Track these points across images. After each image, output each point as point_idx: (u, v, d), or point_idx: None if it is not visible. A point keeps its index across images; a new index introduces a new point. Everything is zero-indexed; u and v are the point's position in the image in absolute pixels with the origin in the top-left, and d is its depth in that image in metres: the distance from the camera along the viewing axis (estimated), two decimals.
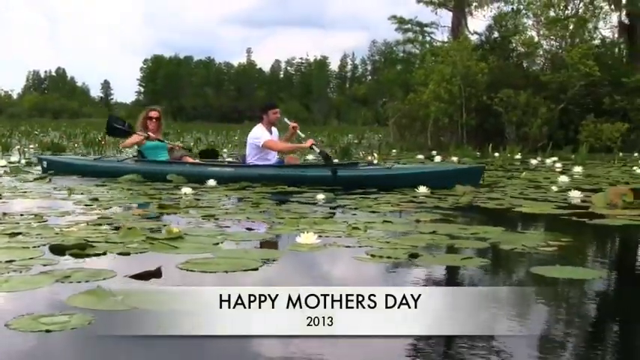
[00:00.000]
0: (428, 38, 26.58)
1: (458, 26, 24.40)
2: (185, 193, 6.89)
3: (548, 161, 13.58)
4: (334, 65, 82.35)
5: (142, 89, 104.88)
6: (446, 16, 25.60)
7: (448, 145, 19.27)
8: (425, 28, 25.84)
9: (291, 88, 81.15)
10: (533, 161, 14.15)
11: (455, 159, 14.40)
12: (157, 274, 3.43)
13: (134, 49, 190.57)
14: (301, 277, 3.87)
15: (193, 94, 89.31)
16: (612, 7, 22.42)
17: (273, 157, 8.82)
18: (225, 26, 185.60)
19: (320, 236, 4.37)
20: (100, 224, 4.96)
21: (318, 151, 8.92)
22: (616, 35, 23.05)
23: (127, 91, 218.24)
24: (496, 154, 16.29)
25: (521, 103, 19.49)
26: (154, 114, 9.25)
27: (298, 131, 9.28)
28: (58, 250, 3.97)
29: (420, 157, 15.60)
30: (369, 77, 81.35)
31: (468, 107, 19.97)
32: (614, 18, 22.83)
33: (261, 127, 8.90)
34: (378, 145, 18.52)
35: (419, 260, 3.91)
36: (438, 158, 14.42)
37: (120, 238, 4.36)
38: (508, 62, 21.96)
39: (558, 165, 12.53)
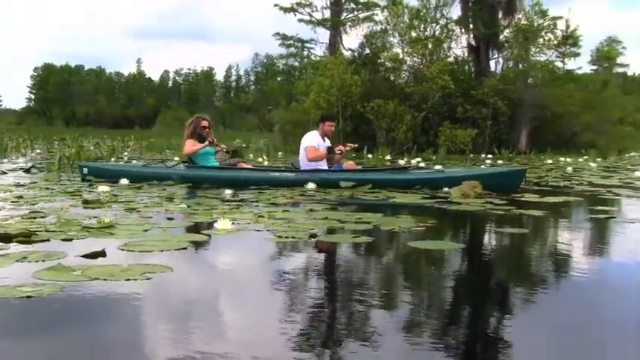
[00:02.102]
0: (306, 52, 27.21)
1: (334, 43, 25.11)
2: (103, 191, 6.99)
3: (414, 161, 14.32)
4: (220, 76, 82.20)
5: (33, 96, 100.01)
6: (324, 34, 26.25)
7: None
8: (305, 44, 26.43)
9: (179, 96, 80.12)
10: (401, 161, 14.88)
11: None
12: (102, 254, 3.70)
13: (25, 57, 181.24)
14: (225, 253, 4.22)
15: (85, 101, 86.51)
16: (462, 30, 23.76)
17: (324, 163, 8.55)
18: (116, 38, 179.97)
19: (233, 223, 4.73)
20: (34, 217, 5.08)
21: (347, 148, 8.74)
22: (466, 54, 24.38)
23: (16, 98, 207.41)
24: (369, 156, 16.97)
25: (389, 111, 20.34)
26: (205, 123, 8.76)
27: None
28: (4, 238, 4.09)
29: None
30: (252, 87, 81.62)
31: (344, 115, 20.59)
32: (464, 40, 24.23)
33: (314, 134, 8.66)
34: (267, 149, 18.80)
35: (318, 239, 4.36)
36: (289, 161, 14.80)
37: (58, 228, 4.54)
38: (378, 75, 22.73)
39: (422, 164, 13.27)
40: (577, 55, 24.24)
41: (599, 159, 17.48)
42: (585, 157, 18.23)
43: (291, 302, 2.95)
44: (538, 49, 22.93)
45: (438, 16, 23.25)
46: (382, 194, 7.37)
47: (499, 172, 8.75)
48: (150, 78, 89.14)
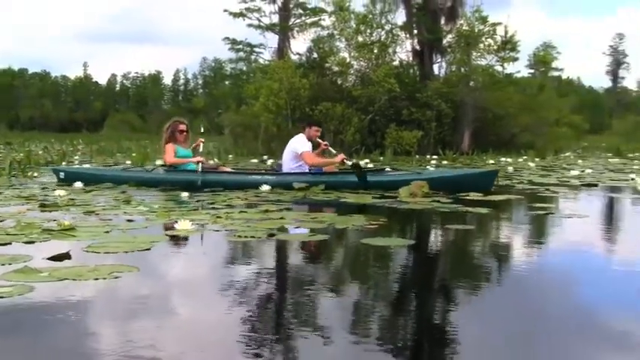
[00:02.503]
0: (254, 57, 27.28)
1: (283, 47, 25.23)
2: (59, 195, 6.96)
3: (362, 163, 14.53)
4: (168, 79, 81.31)
5: None
6: (272, 39, 26.36)
7: (276, 150, 19.85)
8: (254, 49, 26.48)
9: (127, 100, 78.92)
10: (349, 163, 15.05)
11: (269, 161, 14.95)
12: (67, 256, 3.76)
13: None
14: (187, 253, 4.32)
15: (30, 105, 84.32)
16: (407, 35, 24.12)
17: (305, 166, 8.61)
18: (61, 41, 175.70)
19: (193, 223, 4.82)
20: None
21: (350, 164, 8.68)
22: (410, 58, 24.76)
23: None
24: None
25: (337, 114, 20.49)
26: (183, 127, 8.77)
27: (330, 148, 9.16)
28: None
29: (254, 160, 16.06)
30: (200, 90, 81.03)
31: (293, 117, 20.68)
32: (409, 45, 24.61)
33: (302, 137, 8.71)
34: (218, 152, 18.76)
35: (277, 237, 4.49)
36: (269, 161, 14.90)
37: (19, 231, 4.56)
38: (325, 79, 22.88)
39: (370, 165, 13.52)
40: (515, 59, 24.85)
41: (537, 159, 18.04)
42: (524, 157, 18.78)
43: (248, 298, 3.08)
44: (479, 54, 23.45)
45: (384, 21, 23.56)
46: (334, 195, 7.53)
47: (476, 173, 9.10)
48: (97, 82, 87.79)
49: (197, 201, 6.80)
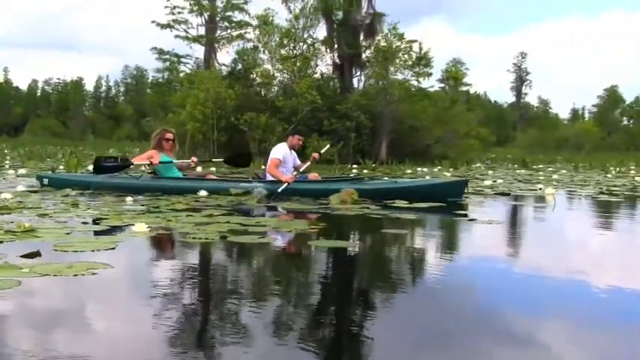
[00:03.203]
0: (180, 66, 27.30)
1: (209, 59, 25.36)
2: (5, 198, 6.99)
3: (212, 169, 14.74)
4: (90, 86, 79.31)
5: None
6: (199, 50, 26.47)
7: (202, 158, 19.93)
8: (181, 59, 26.51)
9: (49, 105, 76.37)
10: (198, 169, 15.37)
11: (213, 169, 15.16)
12: (38, 254, 3.94)
13: None
14: (146, 253, 4.56)
15: None
16: (328, 49, 24.77)
17: (289, 173, 8.75)
18: None
19: (148, 226, 5.06)
20: None
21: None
22: (331, 71, 25.39)
23: None
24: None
25: (261, 123, 20.86)
26: (169, 135, 8.89)
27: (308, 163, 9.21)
28: None
29: None
30: (122, 98, 79.56)
31: (218, 126, 20.90)
32: (329, 58, 25.25)
33: (282, 145, 8.98)
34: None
35: (229, 239, 4.79)
36: (198, 169, 14.98)
37: None
38: (250, 90, 23.19)
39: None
40: (429, 74, 25.97)
41: (451, 169, 18.92)
42: (439, 167, 19.64)
43: (202, 297, 3.40)
44: (396, 69, 24.39)
45: (306, 35, 24.12)
46: (223, 199, 7.82)
47: (447, 183, 9.39)
48: (17, 87, 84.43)
49: (142, 205, 6.98)
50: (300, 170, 9.09)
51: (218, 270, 4.05)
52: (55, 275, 3.41)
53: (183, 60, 26.73)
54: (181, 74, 26.18)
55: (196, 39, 26.19)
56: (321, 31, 24.67)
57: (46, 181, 9.03)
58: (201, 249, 4.56)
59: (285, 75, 23.33)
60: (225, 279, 3.77)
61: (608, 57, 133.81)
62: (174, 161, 9.09)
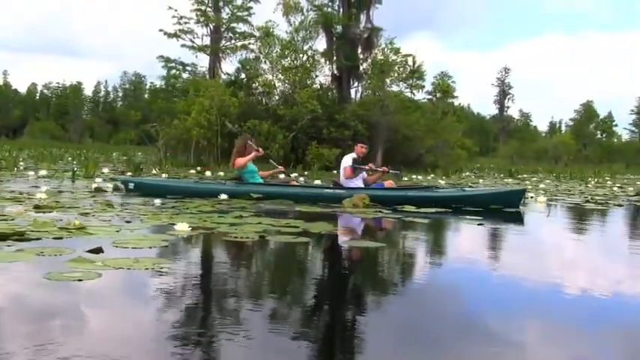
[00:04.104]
0: (186, 75, 27.43)
1: (213, 67, 25.48)
2: (41, 197, 7.11)
3: (292, 176, 15.02)
4: (88, 90, 79.02)
5: None
6: (204, 59, 26.61)
7: (207, 163, 20.09)
8: (187, 67, 26.62)
9: (48, 109, 75.91)
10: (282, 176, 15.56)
11: (221, 173, 15.30)
12: (101, 250, 4.09)
13: None
14: (197, 249, 4.73)
15: None
16: (327, 61, 24.98)
17: (360, 181, 9.16)
18: None
19: (189, 226, 5.20)
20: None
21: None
22: (329, 82, 25.59)
23: None
24: None
25: (264, 131, 20.99)
26: (253, 142, 9.18)
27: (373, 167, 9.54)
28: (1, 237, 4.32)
29: (192, 171, 16.24)
30: (120, 102, 79.35)
31: (222, 133, 20.97)
32: (327, 70, 25.46)
33: (351, 155, 9.23)
34: (159, 162, 18.85)
35: (267, 238, 4.95)
36: (208, 173, 15.13)
37: (37, 228, 4.80)
38: (252, 98, 23.34)
39: (301, 179, 14.02)
40: (422, 87, 26.29)
41: (444, 177, 19.15)
42: (432, 175, 19.86)
43: (262, 286, 3.57)
44: (392, 81, 24.66)
45: (306, 47, 24.33)
46: (284, 204, 7.99)
47: (507, 191, 9.63)
48: (16, 90, 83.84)
49: (172, 207, 7.11)
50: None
51: (266, 265, 4.25)
52: (128, 268, 3.56)
53: (188, 68, 26.86)
54: (181, 82, 26.22)
55: (201, 48, 26.30)
56: (320, 44, 24.92)
57: (132, 185, 8.96)
58: (245, 246, 4.72)
59: (286, 85, 23.49)
60: (274, 272, 3.95)
61: (584, 73, 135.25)
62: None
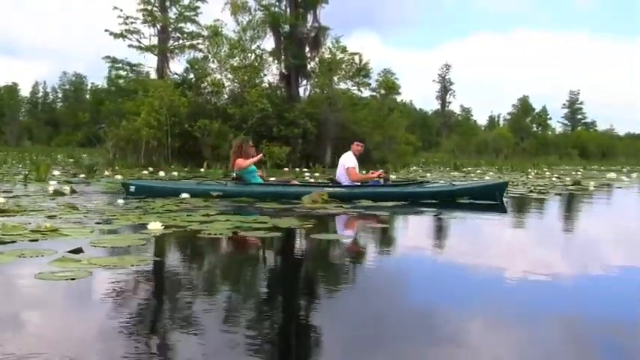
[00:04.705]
0: (129, 74, 26.98)
1: (162, 67, 25.19)
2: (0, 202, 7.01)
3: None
4: (25, 91, 76.40)
5: None
6: (152, 59, 26.27)
7: (157, 164, 19.91)
8: (134, 68, 26.21)
9: None
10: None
11: (175, 173, 15.27)
12: (81, 250, 4.14)
13: None
14: (175, 246, 4.83)
15: None
16: (275, 60, 25.06)
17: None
18: None
19: (162, 225, 5.28)
20: None
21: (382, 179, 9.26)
22: (278, 81, 25.64)
23: None
24: (202, 170, 17.53)
25: (214, 130, 20.91)
26: (251, 143, 9.16)
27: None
28: None
29: (145, 172, 16.11)
30: (60, 103, 77.02)
31: (172, 133, 20.81)
32: (275, 69, 25.51)
33: (350, 153, 9.26)
34: (110, 163, 18.58)
35: (240, 234, 5.09)
36: (162, 173, 15.05)
37: (9, 232, 4.79)
38: (202, 98, 23.19)
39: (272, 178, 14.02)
40: (368, 84, 26.65)
41: (394, 172, 19.51)
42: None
43: (243, 277, 3.72)
44: (339, 79, 24.91)
45: (254, 47, 24.35)
46: (245, 202, 8.11)
47: (491, 185, 9.92)
48: None
49: (136, 207, 7.13)
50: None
51: (244, 258, 4.39)
52: (114, 266, 3.65)
53: (135, 68, 26.47)
54: (125, 82, 25.80)
55: (149, 48, 25.97)
56: (268, 43, 24.96)
57: (132, 188, 8.82)
58: (220, 243, 4.84)
59: (235, 84, 23.43)
60: (251, 264, 4.10)
61: (520, 70, 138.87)
62: None
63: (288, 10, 24.65)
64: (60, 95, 78.45)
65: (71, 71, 78.34)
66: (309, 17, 24.83)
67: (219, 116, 21.83)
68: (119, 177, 12.88)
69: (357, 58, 25.73)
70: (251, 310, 2.92)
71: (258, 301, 3.13)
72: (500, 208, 8.34)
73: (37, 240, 4.52)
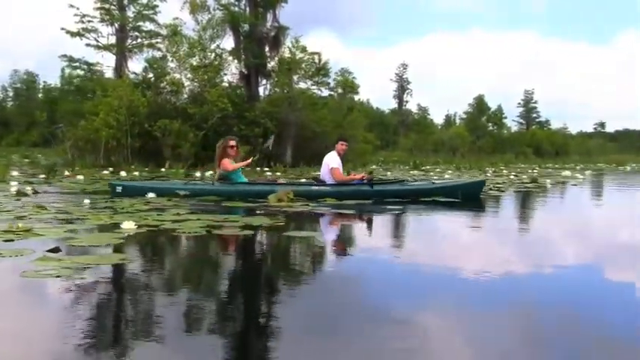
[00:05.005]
0: (83, 73, 26.60)
1: (120, 67, 24.89)
2: None
3: (207, 174, 15.10)
4: None
5: None
6: (111, 58, 25.95)
7: (117, 164, 19.70)
8: (92, 67, 25.83)
9: None
10: (197, 174, 15.67)
11: (136, 173, 15.18)
12: (59, 249, 4.21)
13: None
14: (152, 244, 4.91)
15: None
16: (235, 60, 25.02)
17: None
18: None
19: (135, 224, 5.35)
20: None
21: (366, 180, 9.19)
22: (238, 80, 25.59)
23: None
24: (162, 169, 17.44)
25: (174, 130, 20.80)
26: (232, 142, 9.17)
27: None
28: None
29: (106, 172, 15.95)
30: (11, 102, 75.04)
31: (132, 133, 20.63)
32: (234, 68, 25.44)
33: (334, 154, 9.27)
34: (70, 163, 18.32)
35: (215, 232, 5.20)
36: (123, 173, 14.93)
37: None
38: (162, 97, 23.02)
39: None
40: (328, 84, 26.82)
41: (352, 171, 19.70)
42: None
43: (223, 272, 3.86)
44: (299, 79, 25.02)
45: (213, 46, 24.27)
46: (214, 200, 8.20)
47: (469, 183, 10.22)
48: None
49: (104, 207, 7.15)
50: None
51: (220, 256, 4.52)
52: (97, 265, 3.73)
53: (93, 68, 26.09)
54: (79, 81, 25.42)
55: (107, 47, 25.65)
56: (228, 42, 24.90)
57: (119, 188, 8.88)
58: (195, 240, 4.95)
59: (194, 84, 23.32)
60: (226, 261, 4.24)
61: (475, 69, 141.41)
62: None
63: (248, 9, 24.66)
64: (10, 94, 76.46)
65: (22, 69, 76.36)
66: (269, 17, 24.88)
67: (179, 116, 21.71)
68: (81, 177, 12.79)
69: (316, 57, 25.89)
70: (224, 303, 3.05)
71: (239, 294, 3.26)
72: (479, 206, 8.63)
73: (12, 240, 4.55)
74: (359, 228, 6.46)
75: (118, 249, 4.33)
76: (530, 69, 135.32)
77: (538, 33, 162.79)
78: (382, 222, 7.05)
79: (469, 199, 8.96)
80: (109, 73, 26.35)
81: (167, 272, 3.87)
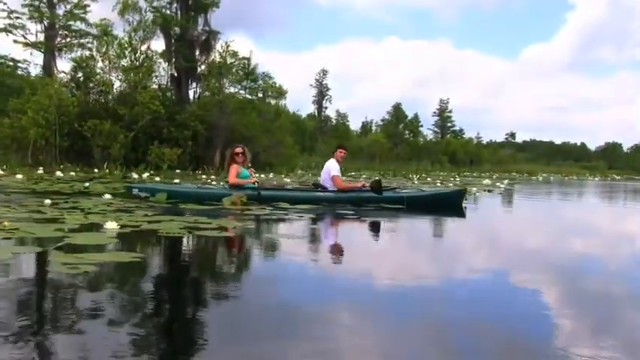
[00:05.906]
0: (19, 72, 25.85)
1: (49, 65, 24.29)
2: None
3: (145, 176, 15.26)
4: None
5: None
6: (39, 56, 25.26)
7: (45, 163, 19.35)
8: (19, 64, 25.09)
9: None
10: (135, 175, 15.70)
11: (60, 174, 14.88)
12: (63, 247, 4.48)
13: None
14: (147, 243, 5.23)
15: None
16: (165, 62, 25.01)
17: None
18: None
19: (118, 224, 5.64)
20: None
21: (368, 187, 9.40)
22: (168, 83, 25.60)
23: None
24: (96, 170, 17.34)
25: (105, 130, 20.63)
26: (239, 150, 9.60)
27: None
28: None
29: (40, 171, 15.71)
30: None
31: (61, 132, 20.30)
32: (162, 70, 25.43)
33: (333, 161, 9.42)
34: None
35: (197, 233, 5.58)
36: (59, 173, 14.80)
37: None
38: (91, 97, 22.73)
39: (158, 178, 14.25)
40: (257, 88, 27.22)
41: (282, 175, 20.28)
42: (272, 174, 20.88)
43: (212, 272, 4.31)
44: (230, 83, 25.30)
45: (144, 48, 24.16)
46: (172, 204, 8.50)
47: (452, 192, 10.58)
48: None
49: (71, 207, 7.31)
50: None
51: (207, 254, 4.94)
52: (111, 262, 4.07)
53: (20, 65, 25.35)
54: (19, 79, 24.66)
55: (35, 45, 24.97)
56: (159, 44, 24.87)
57: (135, 190, 9.27)
58: (182, 241, 5.30)
59: (124, 84, 23.15)
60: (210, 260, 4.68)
61: (393, 77, 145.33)
62: None
63: (180, 12, 24.72)
64: None
65: None
66: (200, 21, 25.06)
67: (110, 116, 21.54)
68: (20, 176, 12.66)
69: (246, 62, 26.26)
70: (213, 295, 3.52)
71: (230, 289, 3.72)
72: (460, 213, 9.23)
73: (8, 238, 4.75)
74: (304, 230, 6.96)
75: (122, 248, 4.63)
76: (444, 78, 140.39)
77: (452, 43, 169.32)
78: (334, 225, 7.59)
79: (450, 208, 9.33)
80: (36, 71, 25.70)
81: (177, 268, 4.26)
